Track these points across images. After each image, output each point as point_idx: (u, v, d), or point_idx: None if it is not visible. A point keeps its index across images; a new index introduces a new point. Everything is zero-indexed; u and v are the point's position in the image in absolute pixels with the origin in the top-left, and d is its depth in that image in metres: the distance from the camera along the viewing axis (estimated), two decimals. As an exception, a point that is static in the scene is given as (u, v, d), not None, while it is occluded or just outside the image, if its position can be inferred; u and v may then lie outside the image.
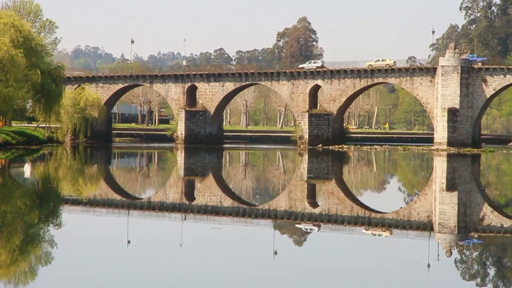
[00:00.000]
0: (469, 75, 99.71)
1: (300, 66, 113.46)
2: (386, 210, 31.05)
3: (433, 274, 18.07)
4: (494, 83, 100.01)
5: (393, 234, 24.46)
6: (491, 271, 19.02)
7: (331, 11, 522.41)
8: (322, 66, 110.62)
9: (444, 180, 49.06)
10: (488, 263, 20.16)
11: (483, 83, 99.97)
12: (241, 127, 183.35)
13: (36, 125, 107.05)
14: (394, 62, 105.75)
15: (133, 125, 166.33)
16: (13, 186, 38.86)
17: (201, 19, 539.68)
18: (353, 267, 18.76)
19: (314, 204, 33.05)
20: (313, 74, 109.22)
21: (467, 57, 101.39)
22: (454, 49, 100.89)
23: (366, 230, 25.31)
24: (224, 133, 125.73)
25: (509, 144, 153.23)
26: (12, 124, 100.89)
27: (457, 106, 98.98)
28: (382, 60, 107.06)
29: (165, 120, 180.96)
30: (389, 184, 49.46)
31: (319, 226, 25.96)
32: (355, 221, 27.17)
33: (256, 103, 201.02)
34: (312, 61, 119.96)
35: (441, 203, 33.61)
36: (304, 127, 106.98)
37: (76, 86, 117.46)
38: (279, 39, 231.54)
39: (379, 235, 24.65)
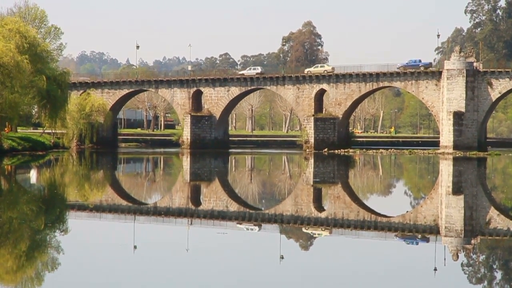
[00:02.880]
0: (474, 78, 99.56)
1: (240, 72, 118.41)
2: (392, 214, 31.01)
3: (440, 278, 18.03)
4: (499, 86, 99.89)
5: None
6: (498, 275, 18.97)
7: (336, 15, 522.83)
8: (262, 73, 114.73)
9: (450, 184, 48.96)
10: (494, 266, 20.11)
11: (489, 86, 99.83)
12: (247, 131, 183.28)
13: (42, 131, 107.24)
14: (333, 68, 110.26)
15: (138, 130, 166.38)
16: (19, 192, 38.92)
17: (206, 24, 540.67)
18: (359, 271, 18.73)
19: (320, 209, 33.03)
20: (319, 78, 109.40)
21: (410, 62, 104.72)
22: (459, 52, 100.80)
23: (306, 229, 25.64)
24: (230, 138, 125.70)
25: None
26: (18, 130, 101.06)
27: (463, 110, 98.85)
28: (321, 67, 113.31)
29: (171, 125, 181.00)
30: (395, 188, 49.39)
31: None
32: (361, 225, 27.14)
33: (261, 107, 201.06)
34: (252, 67, 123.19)
35: (447, 207, 33.55)
36: (309, 132, 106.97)
37: (81, 91, 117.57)
38: (284, 43, 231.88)
39: (318, 234, 24.80)
